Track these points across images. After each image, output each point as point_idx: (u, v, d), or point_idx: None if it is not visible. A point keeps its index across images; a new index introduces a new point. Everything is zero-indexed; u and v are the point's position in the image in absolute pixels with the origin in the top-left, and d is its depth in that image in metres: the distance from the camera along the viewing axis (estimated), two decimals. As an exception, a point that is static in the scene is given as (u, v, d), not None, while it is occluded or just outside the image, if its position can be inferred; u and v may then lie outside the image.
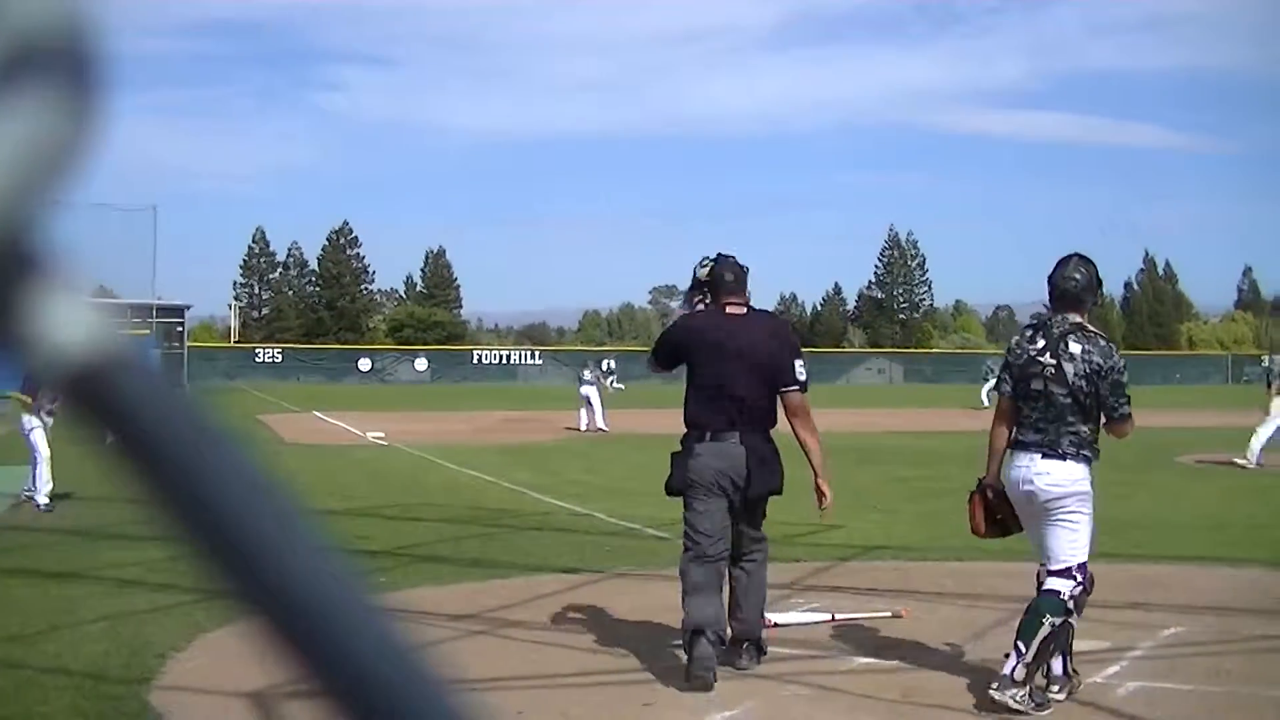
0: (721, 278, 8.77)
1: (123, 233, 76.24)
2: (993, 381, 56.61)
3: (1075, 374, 7.77)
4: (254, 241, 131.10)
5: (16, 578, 11.77)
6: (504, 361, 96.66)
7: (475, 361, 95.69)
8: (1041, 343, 7.91)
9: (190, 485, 0.55)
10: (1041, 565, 7.90)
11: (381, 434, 32.32)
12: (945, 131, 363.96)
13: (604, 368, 41.50)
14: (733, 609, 8.66)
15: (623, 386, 56.83)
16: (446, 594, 11.22)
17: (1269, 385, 25.10)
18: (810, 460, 8.73)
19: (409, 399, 60.01)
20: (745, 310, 8.77)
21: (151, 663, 8.60)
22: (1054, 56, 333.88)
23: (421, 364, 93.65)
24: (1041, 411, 7.83)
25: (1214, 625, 9.90)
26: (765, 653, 8.79)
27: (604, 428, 35.60)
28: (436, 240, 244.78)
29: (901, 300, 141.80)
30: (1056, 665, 7.80)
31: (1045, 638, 7.56)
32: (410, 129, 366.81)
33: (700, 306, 9.01)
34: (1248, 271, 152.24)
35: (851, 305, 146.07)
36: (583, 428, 36.15)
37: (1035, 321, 8.10)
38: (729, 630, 8.59)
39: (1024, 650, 7.54)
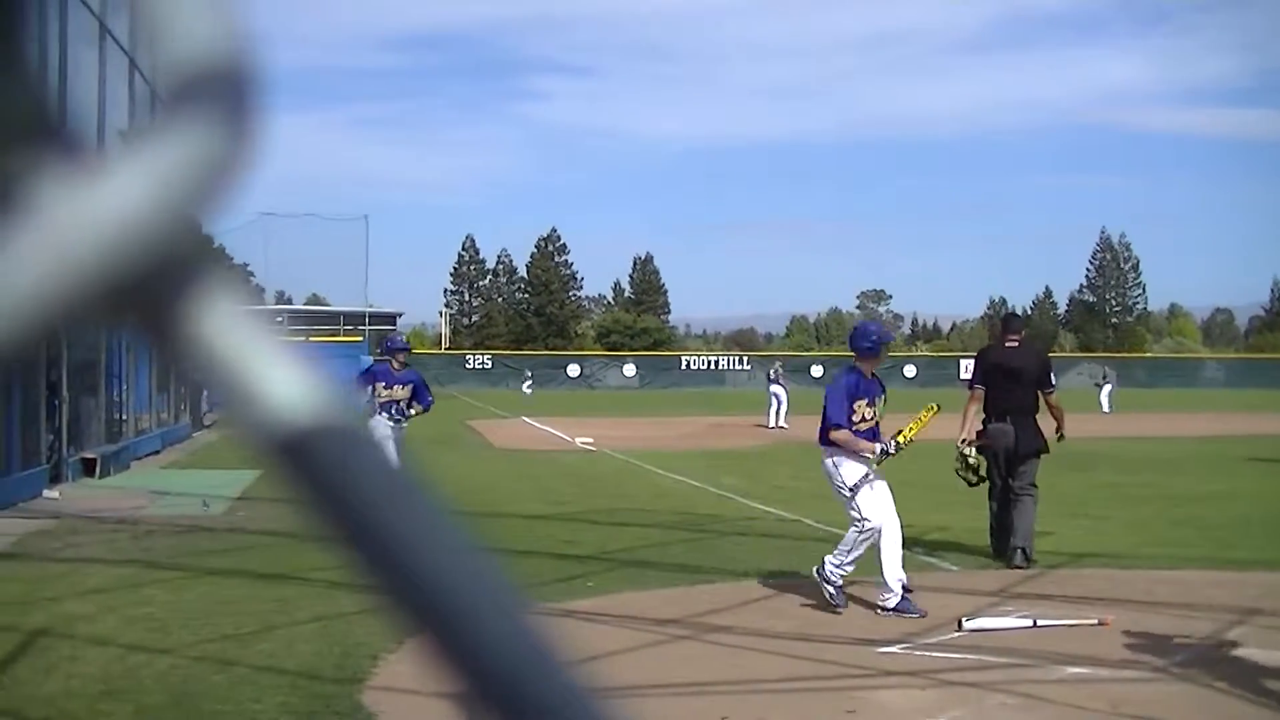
0: (1005, 322, 14.97)
1: (336, 242, 78.38)
2: (1109, 388, 55.06)
3: None
4: (464, 249, 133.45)
5: (231, 578, 12.14)
6: (712, 367, 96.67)
7: (683, 367, 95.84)
8: None
9: (390, 548, 0.57)
10: None
11: (590, 439, 32.55)
12: (1155, 131, 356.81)
13: (772, 371, 42.77)
14: (1011, 526, 13.12)
15: (530, 392, 63.39)
16: (652, 598, 11.30)
17: None
18: (1058, 421, 13.72)
19: (617, 404, 60.34)
20: (1018, 342, 13.86)
21: (363, 663, 8.77)
22: (1265, 52, 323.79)
23: (630, 370, 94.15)
24: None
25: None
26: (1030, 560, 12.88)
27: (784, 425, 38.07)
28: (645, 247, 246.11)
29: (1114, 304, 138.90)
30: None
31: None
32: (615, 136, 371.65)
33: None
34: None
35: (1063, 309, 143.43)
36: (770, 425, 39.14)
37: None
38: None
39: None
